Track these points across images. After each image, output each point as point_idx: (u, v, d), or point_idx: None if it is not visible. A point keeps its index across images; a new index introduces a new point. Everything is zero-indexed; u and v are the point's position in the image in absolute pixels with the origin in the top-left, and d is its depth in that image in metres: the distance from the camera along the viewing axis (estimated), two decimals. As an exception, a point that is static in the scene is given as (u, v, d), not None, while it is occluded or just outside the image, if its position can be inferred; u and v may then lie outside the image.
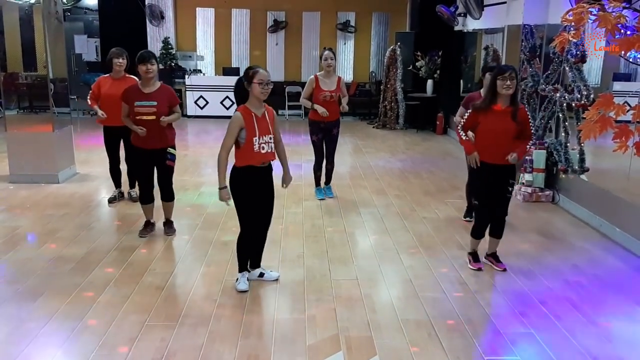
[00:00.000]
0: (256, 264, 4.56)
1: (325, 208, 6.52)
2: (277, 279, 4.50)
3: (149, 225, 5.53)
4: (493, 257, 4.86)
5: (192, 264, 4.88)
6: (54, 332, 3.68)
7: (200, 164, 8.55)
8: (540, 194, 6.93)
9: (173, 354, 3.45)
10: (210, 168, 8.41)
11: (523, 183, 7.01)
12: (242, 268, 4.42)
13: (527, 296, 4.32)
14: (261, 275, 4.53)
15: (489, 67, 5.72)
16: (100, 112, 6.16)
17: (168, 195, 5.44)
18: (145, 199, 5.43)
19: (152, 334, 3.66)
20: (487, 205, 4.69)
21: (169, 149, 5.28)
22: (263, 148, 4.10)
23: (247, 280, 4.40)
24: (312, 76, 6.51)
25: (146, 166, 5.32)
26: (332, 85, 6.41)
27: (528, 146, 4.58)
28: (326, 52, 6.45)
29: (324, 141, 6.66)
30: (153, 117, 5.09)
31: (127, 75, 6.28)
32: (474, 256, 4.87)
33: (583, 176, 6.46)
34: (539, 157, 6.91)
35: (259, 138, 4.08)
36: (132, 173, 6.46)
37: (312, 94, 6.44)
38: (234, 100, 14.37)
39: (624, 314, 4.08)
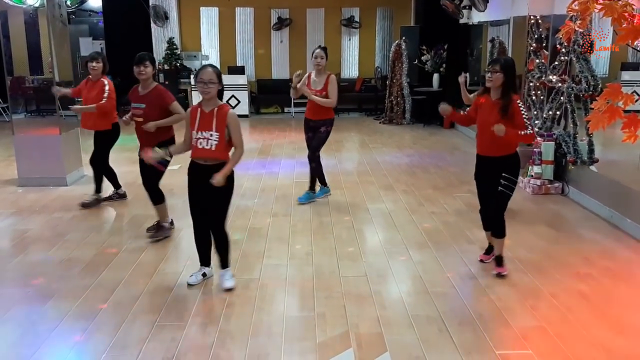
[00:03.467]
0: (205, 262, 4.46)
1: (333, 205, 6.50)
2: (228, 289, 4.28)
3: (159, 227, 5.49)
4: (496, 259, 4.61)
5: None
6: (64, 334, 3.70)
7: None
8: (549, 186, 6.88)
9: (184, 353, 3.45)
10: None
11: (532, 175, 6.97)
12: (200, 261, 4.47)
13: (537, 289, 4.29)
14: (204, 275, 4.43)
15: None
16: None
17: (151, 198, 5.39)
18: (150, 198, 5.40)
19: (162, 334, 3.67)
20: (481, 196, 4.65)
21: (155, 147, 5.21)
22: (200, 143, 4.07)
23: (199, 275, 4.41)
24: (308, 73, 6.44)
25: (141, 166, 5.28)
26: (319, 84, 6.28)
27: (523, 133, 4.26)
28: (317, 51, 6.30)
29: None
30: (141, 119, 5.14)
31: (103, 77, 6.32)
32: (487, 249, 4.83)
33: (592, 167, 6.41)
34: (547, 148, 6.86)
35: (197, 132, 4.08)
36: (97, 174, 6.53)
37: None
38: (239, 99, 14.35)
39: (636, 306, 4.05)
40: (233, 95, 13.22)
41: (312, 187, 6.68)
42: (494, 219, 4.54)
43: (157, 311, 3.97)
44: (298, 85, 6.26)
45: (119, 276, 4.56)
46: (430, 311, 3.96)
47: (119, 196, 6.69)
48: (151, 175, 5.27)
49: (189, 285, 4.35)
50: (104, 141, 6.41)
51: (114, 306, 4.07)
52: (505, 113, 4.29)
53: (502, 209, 4.48)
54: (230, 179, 4.14)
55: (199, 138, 4.07)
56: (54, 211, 6.31)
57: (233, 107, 13.23)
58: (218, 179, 3.99)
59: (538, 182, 6.89)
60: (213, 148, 4.06)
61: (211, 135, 4.04)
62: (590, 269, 4.66)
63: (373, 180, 7.62)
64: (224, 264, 4.40)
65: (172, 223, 5.58)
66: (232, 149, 4.20)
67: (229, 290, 4.28)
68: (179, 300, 4.16)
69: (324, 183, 6.74)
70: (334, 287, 4.36)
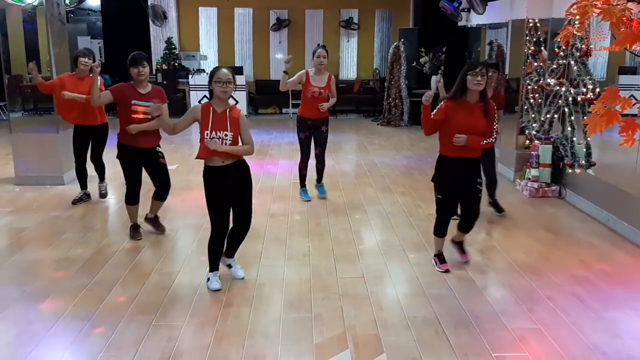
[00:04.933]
0: (229, 253, 4.53)
1: (330, 206, 6.51)
2: (241, 279, 4.46)
3: (137, 228, 5.49)
4: (459, 245, 4.86)
5: (198, 264, 4.88)
6: (61, 333, 3.69)
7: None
8: (546, 189, 6.89)
9: (180, 354, 3.45)
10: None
11: (529, 178, 6.98)
12: (212, 268, 4.40)
13: (534, 292, 4.30)
14: (229, 266, 4.54)
15: (492, 63, 5.68)
16: (77, 97, 6.10)
17: (165, 195, 5.43)
18: (132, 199, 5.37)
19: (159, 334, 3.67)
20: (451, 201, 4.69)
21: (158, 147, 5.27)
22: (215, 143, 4.07)
23: (219, 278, 4.38)
24: (304, 70, 6.43)
25: (135, 165, 5.25)
26: (322, 82, 6.35)
27: (485, 142, 4.38)
28: (319, 50, 6.34)
29: (313, 140, 6.58)
30: (149, 117, 5.06)
31: (91, 75, 6.31)
32: (440, 258, 4.77)
33: (590, 171, 6.42)
34: (545, 152, 6.88)
35: (210, 132, 4.07)
36: (101, 168, 6.57)
37: (299, 85, 6.40)
38: (237, 99, 14.32)
39: (632, 309, 4.06)
40: (231, 96, 13.18)
41: (320, 179, 6.90)
42: (476, 218, 4.72)
43: (154, 311, 3.97)
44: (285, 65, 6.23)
45: (115, 276, 4.56)
46: (427, 313, 3.96)
47: (87, 196, 6.72)
48: (165, 172, 5.33)
49: (215, 290, 4.28)
50: (105, 134, 6.49)
51: (111, 306, 4.06)
52: (486, 115, 4.38)
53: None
54: (248, 171, 4.29)
55: (214, 138, 4.08)
56: (51, 210, 6.30)
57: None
58: (218, 146, 4.06)
59: (535, 185, 6.90)
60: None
61: (226, 135, 4.10)
62: (586, 272, 4.67)
63: (371, 182, 7.62)
64: (234, 253, 4.55)
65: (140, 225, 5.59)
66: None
67: (242, 278, 4.47)
68: (175, 300, 4.16)
69: (303, 185, 6.87)
70: (331, 288, 4.36)
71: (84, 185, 6.67)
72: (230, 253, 4.55)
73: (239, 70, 13.77)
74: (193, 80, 13.35)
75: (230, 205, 4.29)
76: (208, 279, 4.38)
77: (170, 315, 3.93)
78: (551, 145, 6.90)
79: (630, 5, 2.77)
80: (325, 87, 6.34)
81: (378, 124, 12.91)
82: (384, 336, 3.65)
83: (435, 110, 4.49)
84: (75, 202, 6.55)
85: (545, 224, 5.91)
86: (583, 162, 6.47)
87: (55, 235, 5.49)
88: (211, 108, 4.14)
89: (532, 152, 6.93)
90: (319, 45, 6.63)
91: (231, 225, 4.38)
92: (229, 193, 4.22)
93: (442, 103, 4.51)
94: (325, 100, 6.38)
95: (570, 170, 6.59)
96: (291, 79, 6.33)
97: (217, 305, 4.06)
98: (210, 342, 3.57)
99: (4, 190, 7.13)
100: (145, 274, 4.61)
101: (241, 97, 13.41)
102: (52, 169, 7.28)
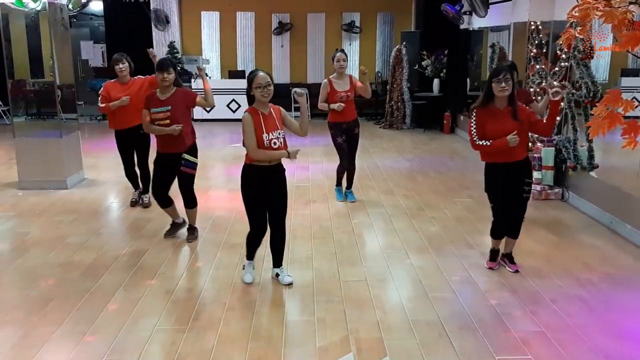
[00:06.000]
0: (276, 263, 4.59)
1: (333, 209, 6.51)
2: (289, 284, 4.46)
3: (174, 226, 5.56)
4: (507, 257, 4.80)
5: (201, 268, 4.89)
6: (64, 337, 3.70)
7: (207, 168, 8.56)
8: (549, 191, 6.88)
9: (183, 357, 3.45)
10: (217, 171, 8.43)
11: (532, 181, 6.96)
12: (248, 256, 4.54)
13: (538, 295, 4.29)
14: (276, 275, 4.55)
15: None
16: (120, 101, 6.12)
17: (187, 202, 5.44)
18: (160, 203, 5.44)
19: (162, 338, 3.67)
20: (501, 206, 4.62)
21: (184, 154, 5.23)
22: (274, 143, 4.19)
23: (253, 269, 4.54)
24: (326, 80, 6.46)
25: (161, 170, 5.31)
26: (345, 85, 6.40)
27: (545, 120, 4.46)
28: (339, 54, 6.41)
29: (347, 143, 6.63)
30: (167, 122, 5.13)
31: (133, 78, 6.35)
32: (491, 254, 4.82)
33: (592, 173, 6.41)
34: (547, 154, 6.87)
35: (268, 134, 4.16)
36: (146, 177, 6.51)
37: (327, 97, 6.42)
38: (240, 103, 14.35)
39: (636, 311, 4.05)
40: (234, 100, 13.25)
41: (350, 185, 6.93)
42: (520, 222, 4.69)
43: (157, 315, 3.98)
44: (336, 107, 6.33)
45: (119, 279, 4.56)
46: (430, 316, 3.96)
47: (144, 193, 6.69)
48: (187, 180, 5.34)
49: (247, 284, 4.44)
50: (147, 138, 6.26)
51: (114, 309, 4.07)
52: (516, 119, 4.35)
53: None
54: (284, 173, 4.39)
55: (272, 139, 4.18)
56: (55, 214, 6.31)
57: (234, 111, 13.26)
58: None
59: (538, 187, 6.89)
60: (283, 145, 4.26)
61: (280, 133, 4.24)
62: (590, 275, 4.66)
63: (373, 185, 7.62)
64: (282, 261, 4.60)
65: (184, 221, 5.62)
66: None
67: (290, 285, 4.46)
68: (179, 304, 4.16)
69: (340, 184, 6.97)
70: (334, 291, 4.36)
71: (136, 186, 6.65)
72: (276, 263, 4.59)
73: (241, 74, 13.79)
74: (196, 84, 13.36)
75: (267, 206, 4.36)
76: (243, 267, 4.58)
77: (173, 319, 3.93)
78: (554, 148, 6.89)
79: (632, 7, 2.77)
80: (350, 89, 6.41)
81: (380, 127, 12.91)
82: (387, 339, 3.64)
83: (474, 127, 4.43)
84: (133, 204, 6.56)
85: (548, 227, 5.90)
86: (586, 164, 6.46)
87: (59, 240, 5.50)
88: (259, 112, 4.22)
89: (535, 155, 6.92)
90: (337, 49, 6.66)
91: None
92: (274, 193, 4.33)
93: (473, 118, 4.44)
94: (352, 102, 6.48)
95: (572, 173, 6.58)
96: (324, 102, 6.43)
97: (220, 309, 4.07)
98: (213, 346, 3.57)
99: (8, 194, 7.15)
100: (148, 278, 4.61)
101: (243, 101, 13.42)
102: (56, 173, 7.30)
